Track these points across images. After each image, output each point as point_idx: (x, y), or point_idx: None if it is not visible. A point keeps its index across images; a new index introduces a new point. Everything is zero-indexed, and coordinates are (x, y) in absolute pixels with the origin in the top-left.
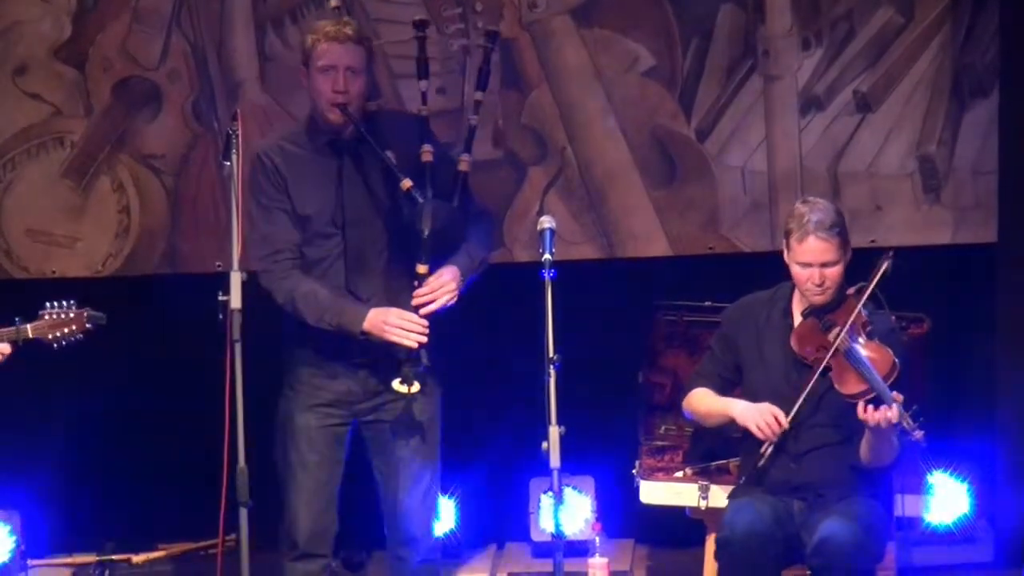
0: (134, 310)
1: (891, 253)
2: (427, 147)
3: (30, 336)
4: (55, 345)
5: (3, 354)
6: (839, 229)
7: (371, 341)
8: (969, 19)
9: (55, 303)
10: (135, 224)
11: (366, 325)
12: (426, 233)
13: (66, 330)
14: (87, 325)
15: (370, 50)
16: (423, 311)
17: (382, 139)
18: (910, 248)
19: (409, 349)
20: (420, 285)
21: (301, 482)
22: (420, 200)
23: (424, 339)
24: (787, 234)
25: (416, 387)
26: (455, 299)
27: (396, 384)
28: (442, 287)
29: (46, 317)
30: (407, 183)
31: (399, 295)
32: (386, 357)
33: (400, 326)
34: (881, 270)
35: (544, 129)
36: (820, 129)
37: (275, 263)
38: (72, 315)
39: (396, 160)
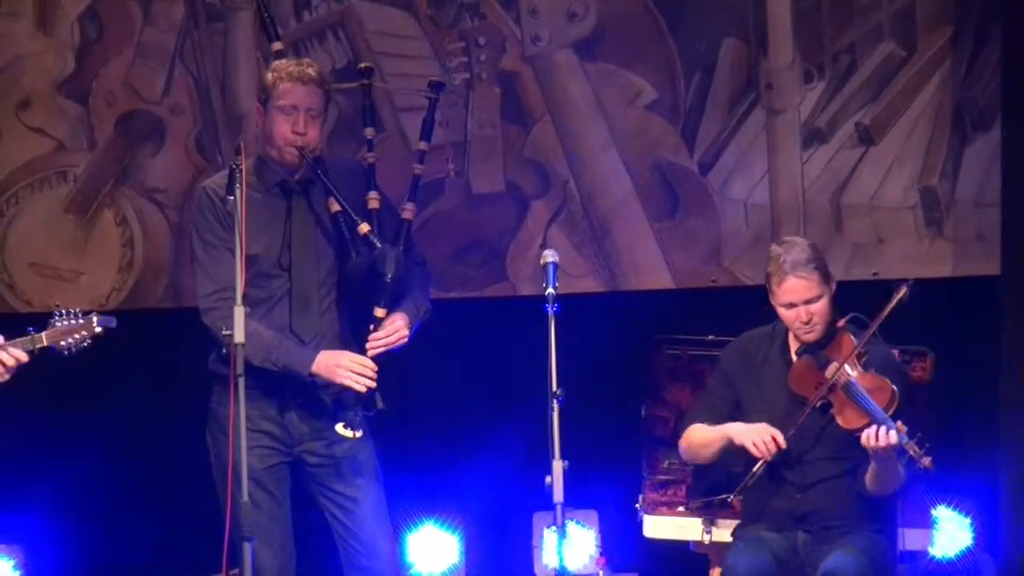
0: (138, 344)
1: (905, 286)
2: (373, 194)
3: (44, 344)
4: (67, 352)
5: (19, 360)
6: (815, 264)
7: (317, 385)
8: (971, 52)
9: (65, 311)
10: (139, 258)
11: (315, 367)
12: (389, 277)
13: (78, 336)
14: (97, 329)
15: (329, 94)
16: (373, 353)
17: (328, 183)
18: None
19: (358, 393)
20: (376, 328)
21: (257, 522)
22: (378, 245)
23: (374, 384)
24: (767, 278)
25: (360, 432)
26: (404, 344)
27: (340, 428)
28: (396, 332)
29: (58, 325)
30: (365, 227)
31: (342, 338)
32: (319, 400)
33: (352, 369)
34: (896, 299)
35: (547, 162)
36: (822, 162)
37: (220, 301)
38: (82, 321)
39: (342, 205)
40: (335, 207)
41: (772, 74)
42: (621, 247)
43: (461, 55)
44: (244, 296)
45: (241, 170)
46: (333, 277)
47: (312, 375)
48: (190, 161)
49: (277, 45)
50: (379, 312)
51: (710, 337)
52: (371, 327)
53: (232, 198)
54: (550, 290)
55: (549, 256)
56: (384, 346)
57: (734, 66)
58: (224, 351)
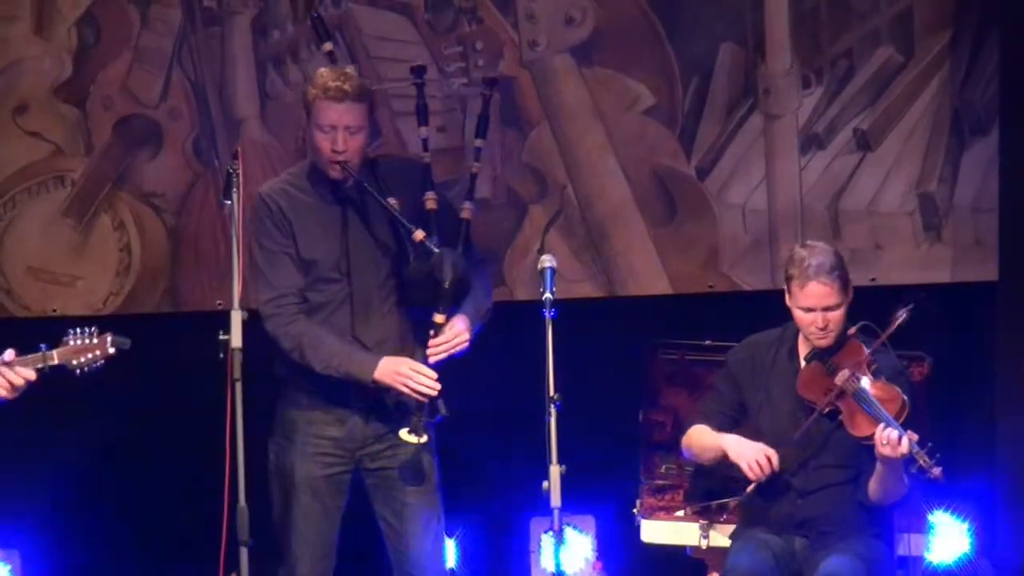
0: (135, 349)
1: (911, 305)
2: (431, 194)
3: (55, 362)
4: (79, 371)
5: (27, 379)
6: (839, 272)
7: (380, 389)
8: (969, 57)
9: (78, 329)
10: (136, 262)
11: (377, 374)
12: (447, 284)
13: (90, 355)
14: (110, 350)
15: (372, 103)
16: (434, 360)
17: (384, 186)
18: (910, 287)
19: (420, 400)
20: (436, 334)
21: (303, 532)
22: (435, 250)
23: (436, 391)
24: (788, 279)
25: (425, 438)
26: (467, 349)
27: (404, 434)
28: (456, 336)
29: (71, 343)
30: (420, 234)
31: (405, 342)
32: (382, 404)
33: (413, 377)
34: (899, 320)
35: (544, 168)
36: (820, 167)
37: (280, 307)
38: (96, 340)
39: (399, 207)
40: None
41: (770, 79)
42: (619, 252)
43: (459, 60)
44: (304, 302)
45: (239, 174)
46: (393, 279)
47: (375, 382)
48: (187, 165)
49: (327, 46)
50: (438, 318)
51: (707, 342)
52: (431, 333)
53: (229, 202)
54: (547, 295)
55: (547, 261)
56: (445, 352)
57: (732, 71)
58: (286, 356)
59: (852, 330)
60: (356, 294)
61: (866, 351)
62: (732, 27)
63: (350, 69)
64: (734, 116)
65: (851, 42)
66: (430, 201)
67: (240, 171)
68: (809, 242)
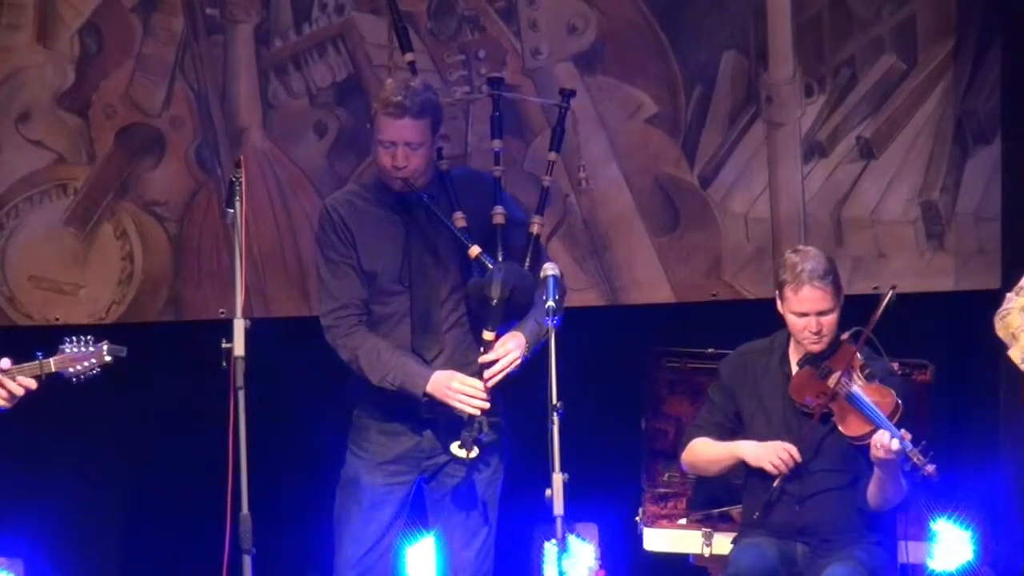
0: (137, 357)
1: (891, 290)
2: (499, 209)
3: (52, 370)
4: (75, 379)
5: (29, 389)
6: (832, 277)
7: (434, 403)
8: (971, 66)
9: (75, 338)
10: (138, 271)
11: (429, 388)
12: (495, 301)
13: (87, 363)
14: (107, 358)
15: (437, 118)
16: (487, 378)
17: (454, 198)
18: (913, 295)
19: (470, 416)
20: (485, 351)
21: (356, 535)
22: (490, 266)
23: (486, 407)
24: (780, 285)
25: (475, 452)
26: (519, 367)
27: (455, 448)
28: (507, 354)
29: (67, 351)
30: (475, 250)
31: (466, 356)
32: (452, 417)
33: (463, 392)
34: (882, 306)
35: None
36: (823, 176)
37: (340, 319)
38: (92, 349)
39: (467, 220)
40: (459, 223)
41: (772, 87)
42: (621, 261)
43: (461, 68)
44: (367, 314)
45: (241, 183)
46: (460, 292)
47: (426, 395)
48: (190, 174)
49: (409, 56)
50: (487, 335)
51: (710, 350)
52: (481, 350)
53: (232, 211)
54: (550, 303)
55: (549, 269)
56: (500, 370)
57: (734, 79)
58: (353, 369)
59: (845, 335)
60: (416, 307)
61: (858, 354)
62: (735, 35)
63: (416, 82)
64: (737, 124)
65: (854, 50)
66: (498, 216)
67: (243, 180)
68: (800, 247)
